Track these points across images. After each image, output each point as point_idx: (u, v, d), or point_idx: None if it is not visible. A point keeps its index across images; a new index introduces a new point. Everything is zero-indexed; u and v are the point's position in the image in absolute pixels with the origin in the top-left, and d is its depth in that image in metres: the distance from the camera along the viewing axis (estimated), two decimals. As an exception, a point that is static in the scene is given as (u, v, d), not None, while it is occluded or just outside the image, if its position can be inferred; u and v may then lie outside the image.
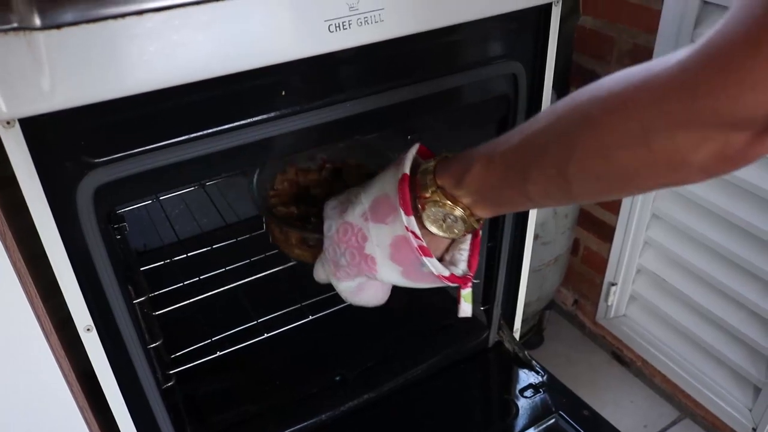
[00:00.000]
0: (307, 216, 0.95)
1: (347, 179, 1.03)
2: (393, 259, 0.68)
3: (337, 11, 0.64)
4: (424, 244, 0.66)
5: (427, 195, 0.64)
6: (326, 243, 0.73)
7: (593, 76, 1.56)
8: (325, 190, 1.00)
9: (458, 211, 0.63)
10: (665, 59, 0.43)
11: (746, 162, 0.44)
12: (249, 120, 0.70)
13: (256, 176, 0.99)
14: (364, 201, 0.69)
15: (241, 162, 0.74)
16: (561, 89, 1.65)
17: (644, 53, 1.41)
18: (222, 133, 0.69)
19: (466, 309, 0.72)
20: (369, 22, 0.66)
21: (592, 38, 1.54)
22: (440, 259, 0.70)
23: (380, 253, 0.68)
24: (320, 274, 0.79)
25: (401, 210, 0.65)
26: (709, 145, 0.43)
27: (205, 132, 0.68)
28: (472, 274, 0.70)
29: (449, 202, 0.63)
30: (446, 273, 0.68)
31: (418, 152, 0.69)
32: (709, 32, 0.40)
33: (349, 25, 0.65)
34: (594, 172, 0.51)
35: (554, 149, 0.53)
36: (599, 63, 1.55)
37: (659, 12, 1.34)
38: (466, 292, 0.71)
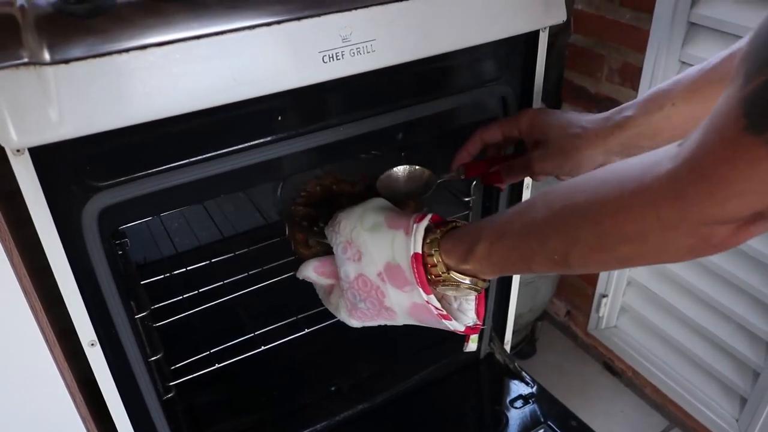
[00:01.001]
0: (322, 219, 0.95)
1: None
2: (412, 314, 0.72)
3: (330, 43, 0.68)
4: (444, 312, 0.70)
5: (440, 277, 0.68)
6: (344, 285, 0.74)
7: (584, 93, 1.60)
8: (354, 201, 1.00)
9: (467, 282, 0.67)
10: (654, 164, 0.47)
11: (731, 247, 0.47)
12: (247, 144, 0.73)
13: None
14: (377, 260, 0.70)
15: (239, 184, 0.77)
16: (553, 105, 1.69)
17: (633, 71, 1.45)
18: (221, 156, 0.72)
19: (471, 346, 0.76)
20: (361, 52, 0.70)
21: (583, 56, 1.57)
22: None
23: (400, 309, 0.72)
24: (332, 304, 0.80)
25: (419, 289, 0.68)
26: (697, 236, 0.46)
27: (204, 156, 0.71)
28: (480, 323, 0.74)
29: (459, 279, 0.67)
30: (462, 328, 0.72)
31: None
32: (693, 137, 0.44)
33: (342, 55, 0.69)
34: (594, 260, 0.55)
35: (556, 241, 0.56)
36: (590, 80, 1.58)
37: (648, 32, 1.38)
38: (475, 335, 0.75)
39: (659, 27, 1.35)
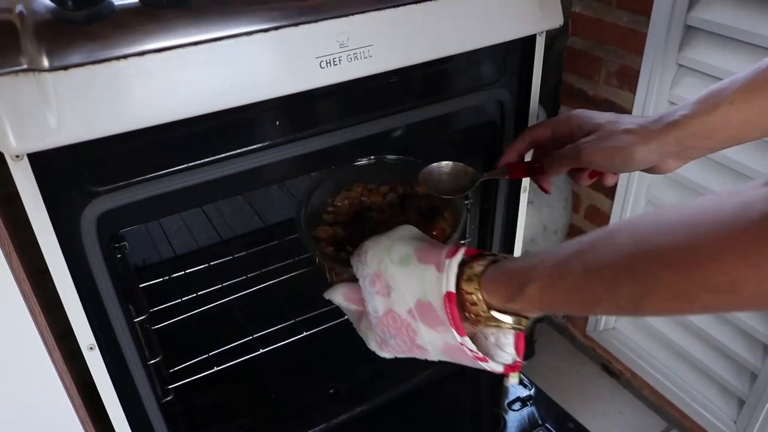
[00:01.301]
0: (349, 241, 0.89)
1: (408, 209, 0.98)
2: (446, 353, 0.68)
3: (328, 48, 0.68)
4: (480, 354, 0.65)
5: (480, 316, 0.62)
6: (373, 320, 0.70)
7: (582, 95, 1.61)
8: (383, 216, 0.95)
9: (510, 322, 0.62)
10: (745, 206, 0.44)
11: None
12: (245, 149, 0.73)
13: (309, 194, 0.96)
14: (407, 297, 0.66)
15: (237, 188, 0.77)
16: (551, 107, 1.69)
17: (631, 74, 1.45)
18: (219, 161, 0.72)
19: (512, 381, 0.74)
20: (359, 57, 0.70)
21: (581, 58, 1.57)
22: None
23: (433, 348, 0.67)
24: (362, 332, 0.75)
25: (453, 331, 0.63)
26: None
27: (203, 161, 0.71)
28: (521, 360, 0.67)
29: (502, 319, 0.61)
30: (500, 369, 0.67)
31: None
32: None
33: (340, 61, 0.69)
34: (674, 309, 0.50)
35: (628, 289, 0.50)
36: (588, 83, 1.59)
37: (645, 34, 1.38)
38: (515, 373, 0.72)
39: (656, 30, 1.35)
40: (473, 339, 0.64)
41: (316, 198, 0.93)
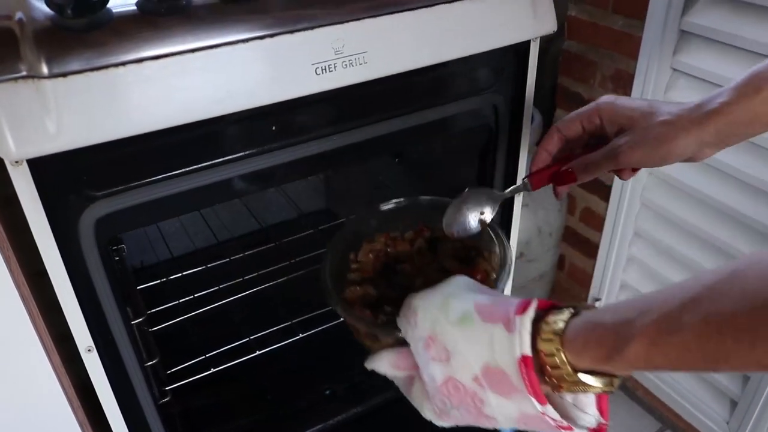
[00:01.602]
0: (385, 300, 0.79)
1: (441, 255, 0.86)
2: (521, 423, 0.58)
3: (323, 55, 0.69)
4: (565, 423, 0.55)
5: (562, 383, 0.53)
6: (430, 390, 0.61)
7: (578, 99, 1.62)
8: (415, 266, 0.85)
9: (600, 386, 0.53)
10: None
11: None
12: (242, 153, 0.74)
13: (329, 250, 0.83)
14: (472, 362, 0.56)
15: (234, 192, 0.78)
16: (547, 111, 1.70)
17: (626, 78, 1.46)
18: (217, 166, 0.73)
19: None
20: (354, 64, 0.71)
21: (577, 62, 1.59)
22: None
23: (504, 418, 0.58)
24: (415, 399, 0.65)
25: (533, 399, 0.54)
26: None
27: (200, 165, 0.72)
28: (606, 422, 0.58)
29: (590, 383, 0.53)
30: None
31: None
32: None
33: (335, 67, 0.70)
34: None
35: None
36: (583, 86, 1.60)
37: (640, 38, 1.39)
38: None
39: (651, 34, 1.36)
40: (549, 400, 0.55)
41: (336, 255, 0.83)
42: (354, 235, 0.87)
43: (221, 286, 1.06)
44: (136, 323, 0.83)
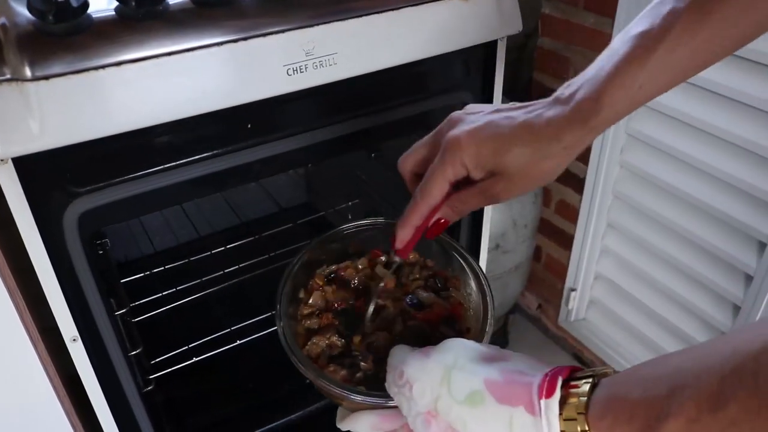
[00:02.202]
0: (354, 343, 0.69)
1: (410, 285, 0.75)
2: None
3: (294, 57, 0.73)
4: None
5: None
6: None
7: (552, 93, 1.66)
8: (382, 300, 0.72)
9: None
10: None
11: None
12: (219, 150, 0.77)
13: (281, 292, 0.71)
14: None
15: (211, 188, 0.81)
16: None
17: (597, 73, 1.50)
18: (194, 162, 0.76)
19: None
20: (324, 65, 0.75)
21: (551, 58, 1.63)
22: None
23: None
24: None
25: None
26: None
27: (178, 162, 0.75)
28: None
29: None
30: None
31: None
32: None
33: (306, 68, 0.73)
34: None
35: None
36: (558, 82, 1.63)
37: (610, 35, 1.43)
38: None
39: (620, 31, 1.41)
40: None
41: (284, 302, 0.71)
42: (303, 271, 0.74)
43: (203, 279, 1.09)
44: (119, 314, 0.86)
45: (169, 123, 0.69)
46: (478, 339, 0.66)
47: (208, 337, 1.07)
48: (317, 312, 0.72)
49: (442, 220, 0.65)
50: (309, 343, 0.69)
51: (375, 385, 0.60)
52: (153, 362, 1.02)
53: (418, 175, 0.65)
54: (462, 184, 0.62)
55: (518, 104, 0.62)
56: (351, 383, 0.64)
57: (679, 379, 0.44)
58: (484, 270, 0.72)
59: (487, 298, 0.69)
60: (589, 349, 1.83)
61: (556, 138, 0.59)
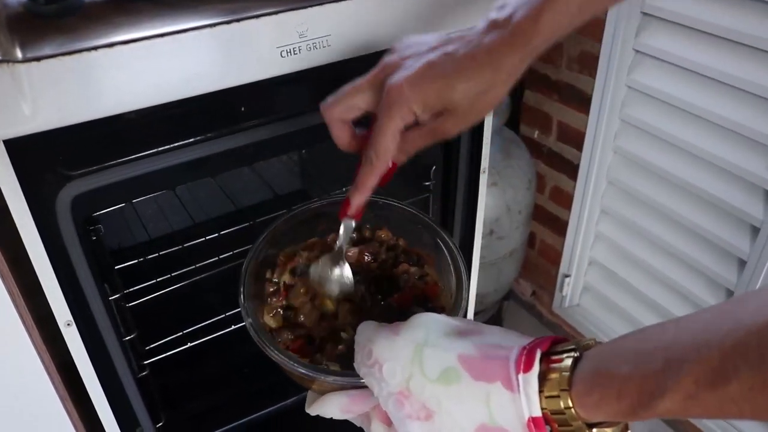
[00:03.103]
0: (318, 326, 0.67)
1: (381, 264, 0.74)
2: None
3: (288, 38, 0.72)
4: None
5: None
6: None
7: (545, 80, 1.66)
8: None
9: None
10: None
11: None
12: (213, 133, 0.77)
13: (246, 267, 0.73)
14: (463, 422, 0.49)
15: (207, 171, 0.81)
16: (516, 92, 1.74)
17: (591, 59, 1.50)
18: (189, 145, 0.76)
19: None
20: (317, 47, 0.74)
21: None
22: None
23: None
24: None
25: None
26: None
27: (172, 145, 0.75)
28: None
29: None
30: None
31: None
32: None
33: (299, 50, 0.73)
34: None
35: None
36: (550, 68, 1.64)
37: (603, 21, 1.43)
38: None
39: (614, 17, 1.41)
40: None
41: (248, 282, 0.71)
42: (270, 248, 0.75)
43: (197, 265, 1.09)
44: (113, 299, 0.86)
45: (162, 105, 0.68)
46: (452, 312, 0.64)
47: (203, 323, 1.07)
48: (281, 289, 0.72)
49: (391, 164, 0.62)
50: (272, 312, 0.70)
51: (347, 365, 0.58)
52: (148, 348, 1.02)
53: (345, 123, 0.63)
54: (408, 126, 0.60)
55: (454, 35, 0.60)
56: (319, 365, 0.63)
57: (675, 352, 0.41)
58: (463, 249, 0.72)
59: (460, 266, 0.67)
60: (583, 335, 1.83)
61: (498, 67, 0.57)
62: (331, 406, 0.58)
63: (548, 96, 1.68)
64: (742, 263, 1.35)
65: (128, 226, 1.30)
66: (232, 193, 1.40)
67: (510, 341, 0.50)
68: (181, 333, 1.04)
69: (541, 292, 1.97)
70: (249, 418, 1.11)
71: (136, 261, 1.06)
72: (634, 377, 0.43)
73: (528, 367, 0.46)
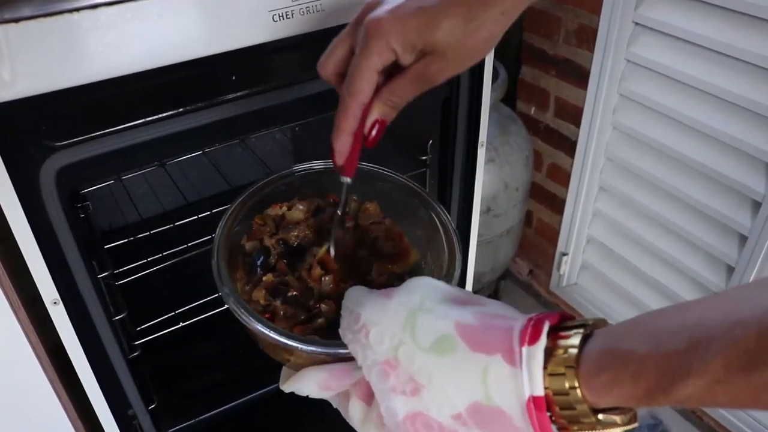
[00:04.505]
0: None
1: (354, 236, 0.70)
2: None
3: (280, 2, 0.69)
4: None
5: (573, 426, 0.42)
6: (388, 423, 0.47)
7: (543, 55, 1.63)
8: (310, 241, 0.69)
9: (619, 423, 0.42)
10: None
11: None
12: (202, 103, 0.74)
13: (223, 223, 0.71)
14: (454, 398, 0.44)
15: (196, 143, 0.79)
16: (513, 67, 1.71)
17: (589, 33, 1.48)
18: (178, 116, 0.73)
19: None
20: (310, 11, 0.71)
21: (541, 18, 1.59)
22: None
23: None
24: (356, 421, 0.52)
25: None
26: None
27: (161, 115, 0.72)
28: None
29: (610, 422, 0.42)
30: None
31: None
32: None
33: (292, 14, 0.70)
34: None
35: None
36: (548, 42, 1.61)
37: (600, -9, 1.41)
38: None
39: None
40: None
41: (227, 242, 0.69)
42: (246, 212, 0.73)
43: (189, 244, 1.06)
44: (102, 277, 0.84)
45: (149, 72, 0.66)
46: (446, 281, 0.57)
47: (196, 302, 1.04)
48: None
49: (380, 120, 0.56)
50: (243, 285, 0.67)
51: (330, 336, 0.53)
52: (139, 328, 0.99)
53: (345, 76, 0.56)
54: (392, 74, 0.54)
55: None
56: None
57: (703, 331, 0.36)
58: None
59: (452, 235, 0.63)
60: (581, 314, 1.82)
61: (492, 2, 0.52)
62: (308, 382, 0.53)
63: (545, 71, 1.65)
64: (743, 239, 1.34)
65: (119, 207, 1.27)
66: (225, 171, 1.37)
67: (514, 313, 0.46)
68: (173, 313, 1.02)
69: (538, 270, 1.95)
70: (243, 399, 1.09)
71: (126, 240, 1.03)
72: (653, 357, 0.38)
73: (534, 340, 0.42)
